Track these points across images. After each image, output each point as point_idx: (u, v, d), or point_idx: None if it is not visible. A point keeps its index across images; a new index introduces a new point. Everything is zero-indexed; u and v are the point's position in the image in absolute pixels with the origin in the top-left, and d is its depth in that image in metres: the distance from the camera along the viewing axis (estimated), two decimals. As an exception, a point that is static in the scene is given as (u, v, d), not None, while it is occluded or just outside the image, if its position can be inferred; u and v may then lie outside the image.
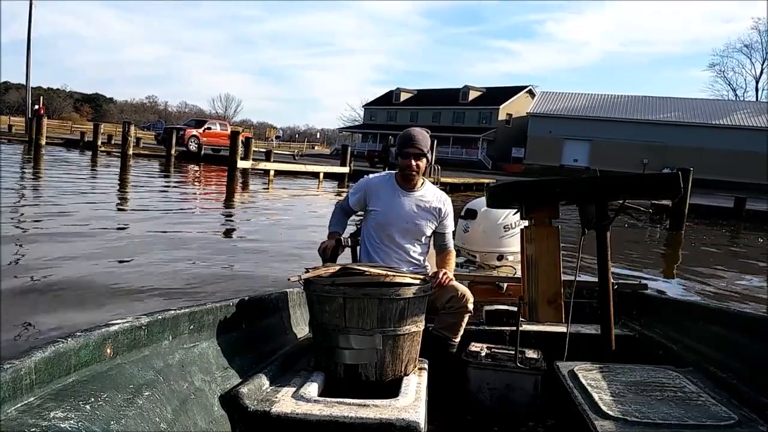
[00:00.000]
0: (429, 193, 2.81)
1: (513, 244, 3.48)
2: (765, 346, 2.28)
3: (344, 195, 2.96)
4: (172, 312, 1.96)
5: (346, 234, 2.88)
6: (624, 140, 42.89)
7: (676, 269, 9.47)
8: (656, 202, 16.99)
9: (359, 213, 2.95)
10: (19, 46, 37.17)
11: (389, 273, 2.29)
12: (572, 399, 2.17)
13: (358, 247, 2.91)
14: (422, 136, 2.74)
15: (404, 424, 1.85)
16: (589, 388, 2.19)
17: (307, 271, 2.29)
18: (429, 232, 2.80)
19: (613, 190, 2.73)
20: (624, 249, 10.03)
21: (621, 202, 2.77)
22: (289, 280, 2.33)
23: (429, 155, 2.78)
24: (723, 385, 2.24)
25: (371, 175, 2.96)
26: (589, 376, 2.33)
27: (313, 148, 67.74)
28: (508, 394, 2.66)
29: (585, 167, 40.96)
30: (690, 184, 14.55)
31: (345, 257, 2.84)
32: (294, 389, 2.09)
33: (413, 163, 2.71)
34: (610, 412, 1.97)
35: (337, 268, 2.32)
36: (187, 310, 2.03)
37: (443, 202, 2.84)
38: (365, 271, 2.26)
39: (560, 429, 2.54)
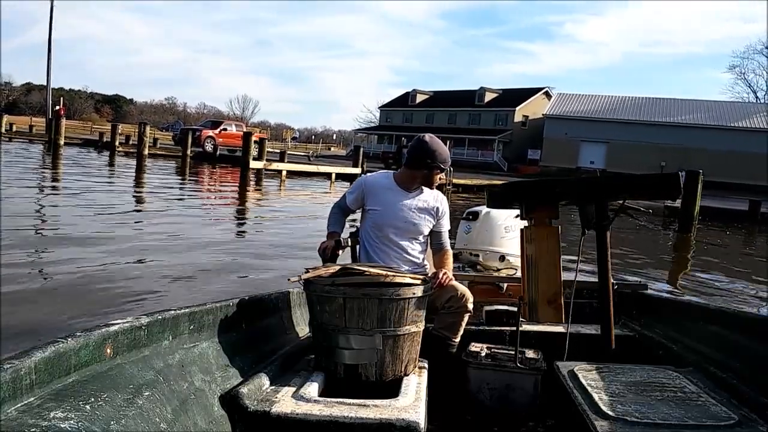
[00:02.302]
0: (427, 193, 2.81)
1: (515, 246, 3.48)
2: (765, 346, 2.27)
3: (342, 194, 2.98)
4: (172, 312, 1.96)
5: (345, 234, 2.89)
6: (641, 142, 42.44)
7: (678, 271, 9.41)
8: (670, 203, 16.84)
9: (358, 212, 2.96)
10: (42, 48, 37.90)
11: (389, 273, 2.30)
12: (572, 399, 2.17)
13: (358, 247, 2.92)
14: (445, 151, 2.75)
15: (404, 424, 1.85)
16: (589, 388, 2.19)
17: (307, 271, 2.30)
18: (427, 231, 2.80)
19: (612, 190, 2.73)
20: (628, 250, 9.99)
21: (621, 202, 2.76)
22: (289, 280, 2.35)
23: None
24: (723, 385, 2.24)
25: (368, 174, 2.96)
26: (589, 376, 2.34)
27: (329, 149, 67.92)
28: (508, 394, 2.65)
29: (602, 169, 40.59)
30: (700, 187, 14.43)
31: (345, 257, 2.85)
32: (294, 389, 2.09)
33: (438, 177, 2.76)
34: (610, 412, 1.97)
35: (337, 268, 2.33)
36: (187, 310, 2.03)
37: (440, 201, 2.84)
38: (365, 271, 2.26)
39: (560, 429, 2.54)
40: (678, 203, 14.80)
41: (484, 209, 3.67)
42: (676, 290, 7.15)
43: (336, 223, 2.86)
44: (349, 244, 2.90)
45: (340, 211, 2.89)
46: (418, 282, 2.30)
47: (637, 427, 1.88)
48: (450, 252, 2.88)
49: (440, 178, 2.78)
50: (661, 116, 43.89)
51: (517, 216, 3.51)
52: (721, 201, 21.13)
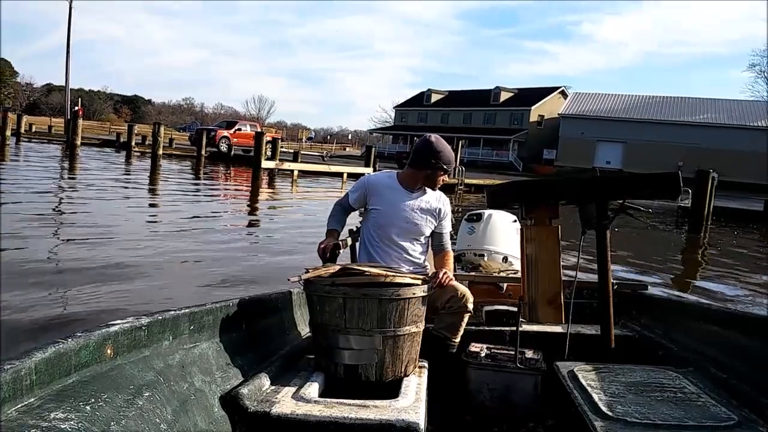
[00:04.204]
0: (429, 194, 2.80)
1: (517, 247, 3.48)
2: (765, 346, 2.26)
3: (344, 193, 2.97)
4: (172, 312, 1.97)
5: (344, 232, 2.90)
6: (659, 142, 41.98)
7: (682, 272, 9.35)
8: (682, 204, 16.62)
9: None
10: (63, 50, 38.45)
11: (389, 273, 2.30)
12: (572, 399, 2.17)
13: (357, 245, 2.92)
14: (449, 152, 2.74)
15: (404, 425, 1.86)
16: (589, 388, 2.19)
17: (307, 271, 2.31)
18: (428, 232, 2.80)
19: (612, 190, 2.72)
20: (634, 250, 9.95)
21: (621, 201, 2.75)
22: (289, 280, 2.36)
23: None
24: (723, 385, 2.23)
25: (372, 174, 2.97)
26: (589, 376, 2.34)
27: (345, 149, 68.01)
28: (508, 394, 2.65)
29: (618, 169, 40.21)
30: (710, 186, 14.24)
31: (345, 257, 2.86)
32: (294, 390, 2.10)
33: (441, 179, 2.75)
34: (610, 413, 1.97)
35: (337, 268, 2.34)
36: (187, 310, 2.04)
37: (443, 202, 2.83)
38: (365, 272, 2.27)
39: (560, 429, 2.53)
40: (689, 203, 14.69)
41: (487, 211, 3.69)
42: (677, 290, 7.10)
43: (336, 221, 2.86)
44: (349, 243, 2.91)
45: (342, 209, 2.89)
46: (418, 282, 2.31)
47: (637, 428, 1.88)
48: (451, 253, 2.88)
49: (443, 180, 2.77)
50: (678, 115, 43.40)
51: (515, 221, 3.52)
52: (736, 201, 20.87)
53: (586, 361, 2.54)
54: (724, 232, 15.14)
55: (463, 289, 2.67)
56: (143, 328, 1.81)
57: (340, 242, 2.79)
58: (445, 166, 2.72)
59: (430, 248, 2.89)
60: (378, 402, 1.99)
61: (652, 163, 36.70)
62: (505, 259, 3.60)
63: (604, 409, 2.00)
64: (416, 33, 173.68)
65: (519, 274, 3.11)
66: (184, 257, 6.56)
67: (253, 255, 7.26)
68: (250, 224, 10.72)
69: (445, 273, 2.59)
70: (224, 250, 7.20)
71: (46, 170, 16.47)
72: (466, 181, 22.52)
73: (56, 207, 10.07)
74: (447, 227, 2.85)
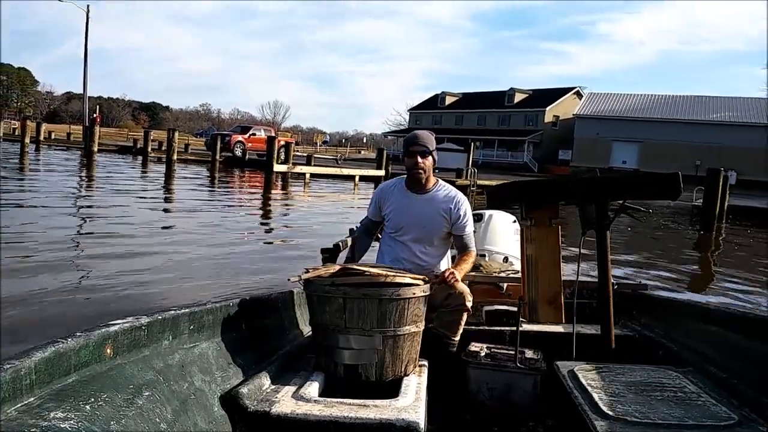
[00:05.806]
0: (440, 194, 2.79)
1: (518, 247, 3.49)
2: (765, 346, 2.25)
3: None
4: (172, 312, 1.98)
5: (345, 233, 2.94)
6: (675, 141, 41.45)
7: (688, 270, 9.28)
8: (695, 203, 16.47)
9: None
10: (81, 59, 38.88)
11: (389, 273, 2.31)
12: (572, 399, 2.17)
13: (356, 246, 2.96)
14: (425, 135, 2.75)
15: (404, 424, 1.86)
16: (589, 388, 2.19)
17: (307, 271, 2.33)
18: (442, 235, 2.79)
19: (612, 190, 2.72)
20: (643, 249, 9.88)
21: (621, 202, 2.75)
22: (289, 280, 2.37)
23: (434, 154, 2.76)
24: (723, 385, 2.22)
25: (383, 182, 3.02)
26: (589, 376, 2.33)
27: (359, 152, 68.13)
28: (508, 394, 2.65)
29: (634, 169, 39.81)
30: (721, 184, 14.10)
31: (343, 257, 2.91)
32: (294, 389, 2.11)
33: (419, 160, 2.71)
34: (610, 412, 1.97)
35: (337, 268, 2.36)
36: (187, 310, 2.05)
37: (454, 202, 2.78)
38: (365, 272, 2.28)
39: (560, 429, 2.52)
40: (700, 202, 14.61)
41: (488, 211, 3.70)
42: (677, 290, 7.04)
43: (360, 247, 2.96)
44: (349, 243, 2.94)
45: (365, 231, 2.98)
46: (419, 282, 2.32)
47: (637, 427, 1.88)
48: (471, 254, 2.82)
49: (424, 163, 2.73)
50: (695, 114, 42.84)
51: (515, 221, 3.52)
52: (752, 199, 20.68)
53: (586, 360, 2.53)
54: (737, 231, 14.98)
55: (461, 287, 2.67)
56: (143, 327, 1.81)
57: (341, 243, 2.82)
58: (425, 144, 2.72)
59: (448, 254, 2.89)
60: (378, 401, 1.99)
61: (668, 163, 36.08)
62: (506, 259, 3.61)
63: (604, 408, 2.00)
64: (431, 35, 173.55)
65: (519, 274, 3.11)
66: (198, 257, 6.67)
67: (265, 252, 7.46)
68: (262, 223, 10.84)
69: (452, 272, 2.57)
70: (235, 247, 7.37)
71: (62, 178, 16.71)
72: (479, 182, 22.47)
73: (76, 216, 10.21)
74: (466, 227, 2.81)
